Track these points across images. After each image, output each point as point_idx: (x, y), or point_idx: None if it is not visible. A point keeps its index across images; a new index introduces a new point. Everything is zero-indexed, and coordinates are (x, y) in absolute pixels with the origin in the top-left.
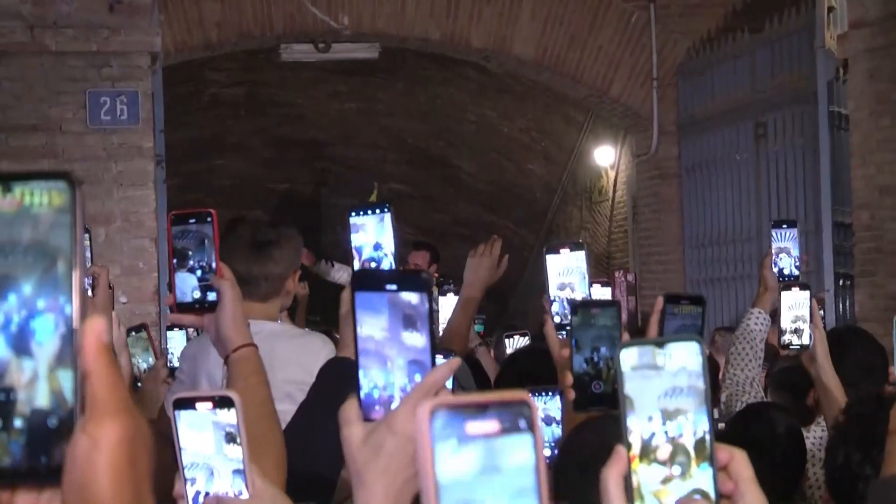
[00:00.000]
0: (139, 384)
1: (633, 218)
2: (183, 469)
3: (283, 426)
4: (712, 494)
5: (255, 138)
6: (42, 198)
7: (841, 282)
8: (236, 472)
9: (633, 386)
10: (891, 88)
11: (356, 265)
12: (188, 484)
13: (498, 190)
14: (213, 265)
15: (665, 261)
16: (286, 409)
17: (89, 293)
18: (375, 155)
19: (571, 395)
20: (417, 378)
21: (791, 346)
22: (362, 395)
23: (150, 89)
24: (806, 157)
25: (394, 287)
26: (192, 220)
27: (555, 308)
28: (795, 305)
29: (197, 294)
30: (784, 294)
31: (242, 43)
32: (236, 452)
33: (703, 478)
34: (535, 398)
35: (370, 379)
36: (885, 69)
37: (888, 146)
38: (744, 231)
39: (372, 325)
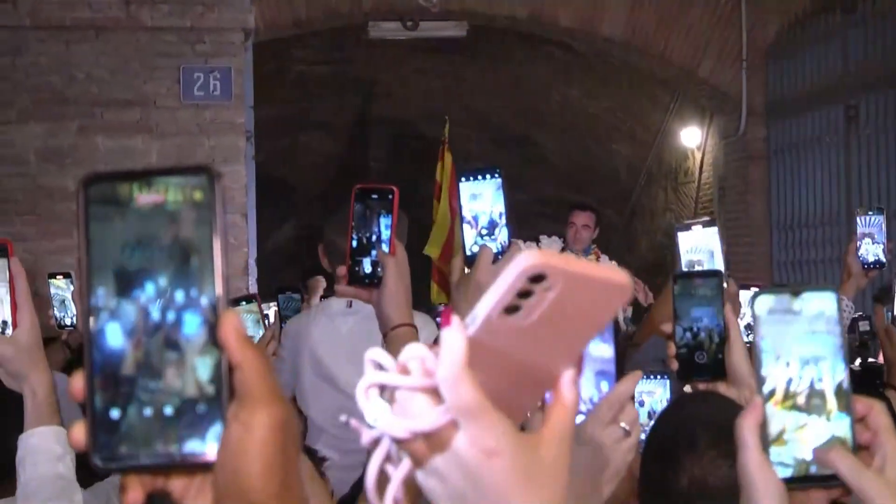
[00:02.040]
0: None
1: (719, 200)
2: None
3: None
4: (850, 442)
5: (340, 116)
6: (182, 194)
7: None
8: None
9: (770, 331)
10: None
11: (471, 235)
12: None
13: (582, 170)
14: (387, 242)
15: (752, 243)
16: None
17: None
18: (460, 133)
19: (675, 365)
20: (604, 387)
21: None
22: None
23: (242, 65)
24: None
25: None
26: (374, 196)
27: None
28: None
29: (368, 269)
30: None
31: (331, 20)
32: None
33: (840, 427)
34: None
35: None
36: None
37: None
38: (832, 215)
39: None
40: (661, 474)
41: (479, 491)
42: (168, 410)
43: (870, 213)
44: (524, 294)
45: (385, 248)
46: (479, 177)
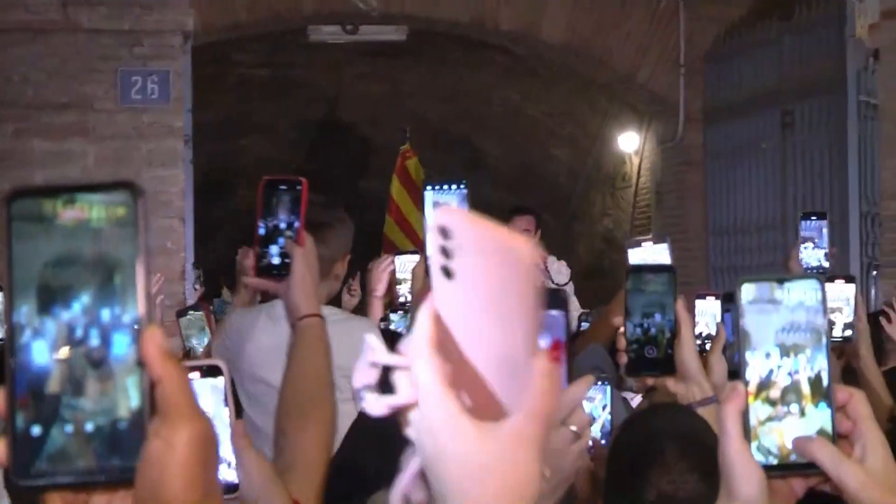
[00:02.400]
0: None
1: (656, 205)
2: None
3: None
4: (830, 432)
5: (280, 120)
6: (105, 210)
7: (873, 272)
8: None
9: (752, 320)
10: None
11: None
12: None
13: (522, 174)
14: (297, 233)
15: (688, 248)
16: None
17: None
18: (400, 137)
19: (624, 358)
20: None
21: (831, 340)
22: None
23: (181, 69)
24: (833, 147)
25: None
26: (282, 187)
27: None
28: (831, 298)
29: (276, 260)
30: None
31: (271, 24)
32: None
33: (820, 417)
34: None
35: None
36: None
37: None
38: (767, 220)
39: None
40: (628, 487)
41: (443, 464)
42: (90, 427)
43: (812, 217)
44: (447, 254)
45: (293, 239)
46: (445, 187)
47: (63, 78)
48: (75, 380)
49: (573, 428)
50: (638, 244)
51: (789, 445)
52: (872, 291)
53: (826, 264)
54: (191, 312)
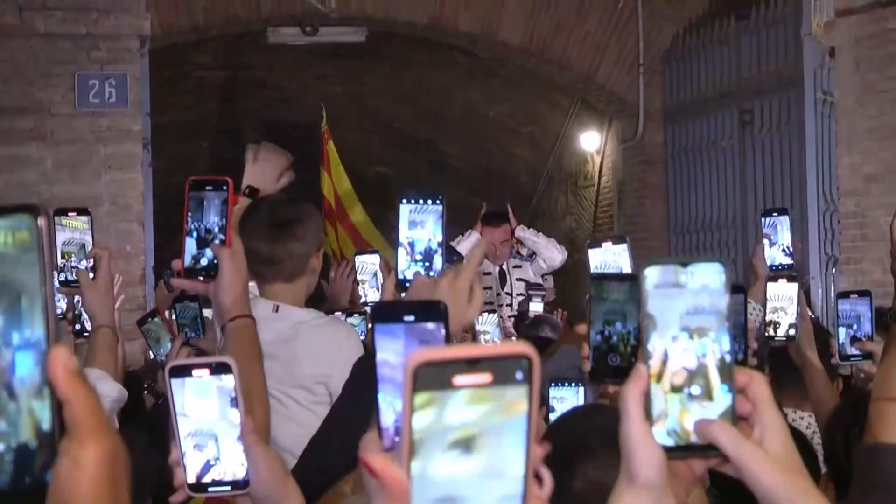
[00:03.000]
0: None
1: (618, 204)
2: (180, 438)
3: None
4: (731, 415)
5: (240, 121)
6: (9, 235)
7: (834, 269)
8: (240, 438)
9: (656, 304)
10: (877, 77)
11: (404, 259)
12: (197, 450)
13: (484, 174)
14: (223, 233)
15: (650, 246)
16: (304, 400)
17: (90, 276)
18: (362, 138)
19: (587, 366)
20: None
21: (776, 339)
22: (382, 424)
23: (138, 72)
24: (791, 145)
25: (412, 318)
26: (207, 188)
27: None
28: (776, 297)
29: (204, 261)
30: (768, 285)
31: (229, 26)
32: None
33: (722, 399)
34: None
35: (390, 406)
36: (871, 58)
37: (874, 135)
38: (728, 218)
39: (388, 351)
40: (558, 480)
41: None
42: (1, 447)
43: (773, 213)
44: None
45: (220, 240)
46: (422, 202)
47: (20, 83)
48: None
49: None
50: (598, 244)
51: (690, 427)
52: (832, 288)
53: (789, 261)
54: (150, 320)
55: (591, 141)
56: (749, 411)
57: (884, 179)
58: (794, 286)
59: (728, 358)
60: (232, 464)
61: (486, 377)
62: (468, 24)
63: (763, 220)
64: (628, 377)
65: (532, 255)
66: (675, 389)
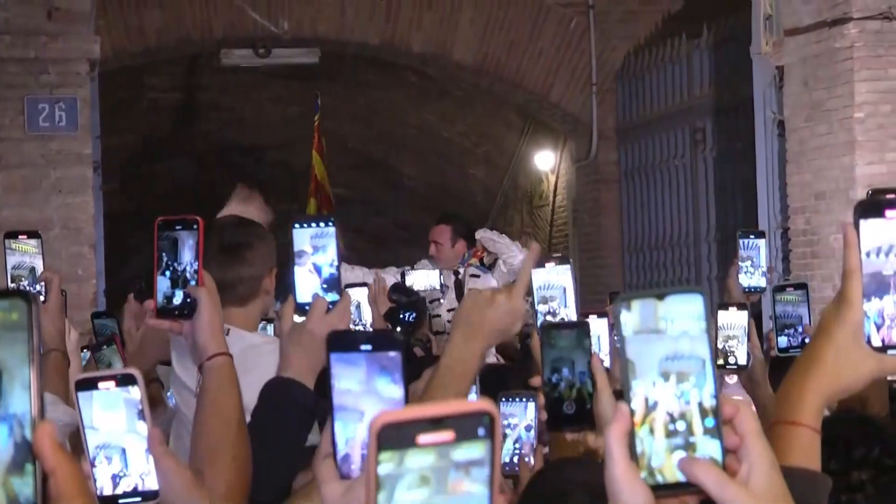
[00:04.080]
0: None
1: (573, 222)
2: (92, 449)
3: None
4: (719, 453)
5: (194, 143)
6: (3, 316)
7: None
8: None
9: (634, 349)
10: (825, 96)
11: (308, 285)
12: (105, 463)
13: (439, 193)
14: (196, 273)
15: (604, 265)
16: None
17: (42, 299)
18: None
19: (544, 415)
20: None
21: (727, 367)
22: (338, 452)
23: (88, 95)
24: (743, 163)
25: (369, 347)
26: (178, 227)
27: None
28: (727, 326)
29: (177, 301)
30: (719, 313)
31: (182, 48)
32: (146, 430)
33: (710, 436)
34: (512, 404)
35: (343, 433)
36: (819, 76)
37: (823, 153)
38: (681, 236)
39: (349, 379)
40: None
41: None
42: None
43: (750, 235)
44: None
45: (193, 281)
46: (316, 225)
47: None
48: None
49: None
50: (541, 265)
51: (676, 466)
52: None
53: (764, 284)
54: (105, 347)
55: (545, 160)
56: (736, 444)
57: (833, 197)
58: (745, 314)
59: (713, 391)
60: (141, 475)
61: (448, 435)
62: (421, 44)
63: (741, 241)
64: (588, 424)
65: (492, 266)
66: (659, 429)
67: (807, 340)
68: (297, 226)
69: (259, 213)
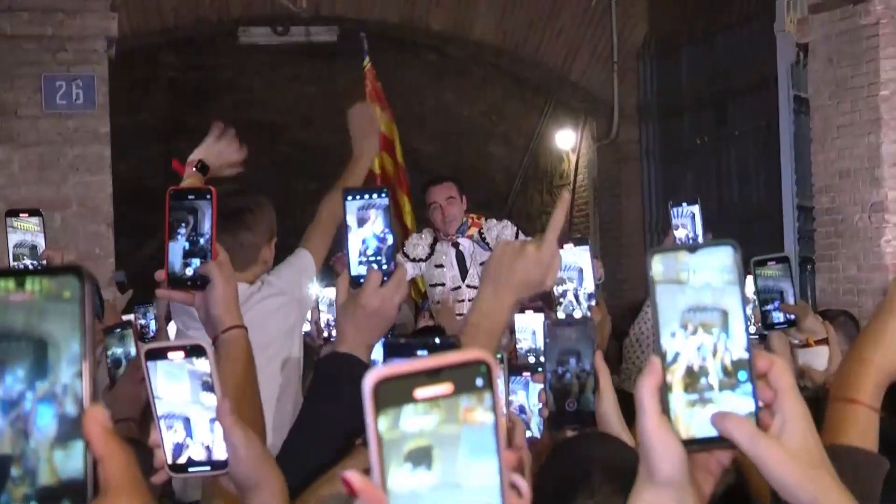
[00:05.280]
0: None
1: (594, 202)
2: (158, 418)
3: None
4: (752, 407)
5: (212, 122)
6: (33, 284)
7: (809, 267)
8: (213, 420)
9: (663, 300)
10: (850, 73)
11: (357, 260)
12: (169, 432)
13: (458, 173)
14: (209, 243)
15: (626, 245)
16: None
17: None
18: (335, 139)
19: (545, 413)
20: None
21: None
22: None
23: (105, 73)
24: (767, 142)
25: (424, 352)
26: (190, 197)
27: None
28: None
29: (190, 271)
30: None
31: (200, 27)
32: (213, 401)
33: (742, 388)
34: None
35: None
36: (844, 54)
37: (848, 131)
38: (705, 214)
39: None
40: None
41: None
42: (20, 497)
43: (683, 202)
44: None
45: (208, 252)
46: (367, 196)
47: None
48: (14, 455)
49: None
50: (560, 245)
51: (709, 419)
52: (808, 288)
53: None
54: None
55: (566, 139)
56: (770, 398)
57: (858, 176)
58: None
59: (745, 344)
60: (205, 446)
61: (447, 387)
62: (440, 22)
63: (673, 210)
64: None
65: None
66: (692, 382)
67: (790, 317)
68: (349, 198)
69: (235, 151)
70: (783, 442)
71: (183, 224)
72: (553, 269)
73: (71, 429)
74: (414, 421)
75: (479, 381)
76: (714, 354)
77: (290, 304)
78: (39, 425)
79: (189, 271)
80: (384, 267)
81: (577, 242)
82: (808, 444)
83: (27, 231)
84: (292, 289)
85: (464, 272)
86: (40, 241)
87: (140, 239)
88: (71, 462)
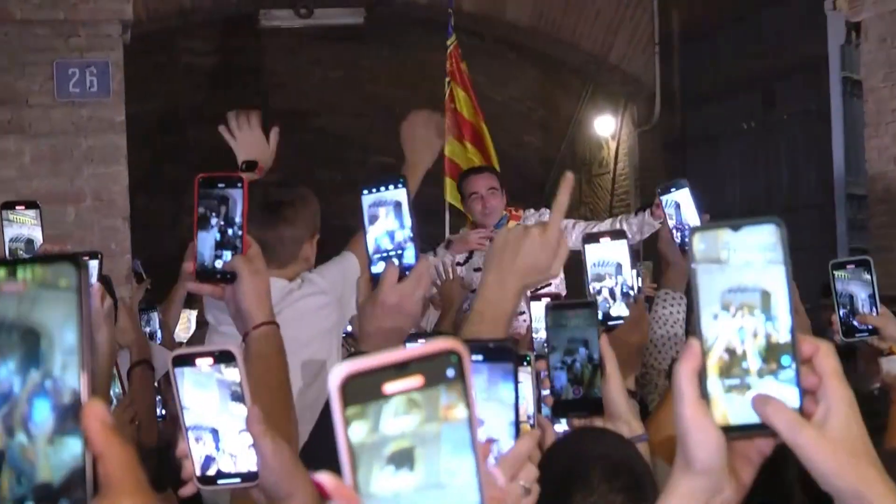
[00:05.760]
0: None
1: (635, 191)
2: (186, 430)
3: None
4: (796, 390)
5: (231, 109)
6: (25, 273)
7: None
8: (242, 430)
9: (703, 280)
10: None
11: (378, 256)
12: (197, 444)
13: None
14: (240, 235)
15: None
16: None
17: None
18: (361, 125)
19: (550, 401)
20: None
21: None
22: None
23: (121, 59)
24: (817, 126)
25: (479, 357)
26: (220, 185)
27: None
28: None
29: (220, 264)
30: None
31: (219, 9)
32: (242, 411)
33: (784, 374)
34: None
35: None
36: None
37: None
38: (752, 203)
39: None
40: None
41: None
42: (16, 493)
43: (672, 188)
44: None
45: (238, 243)
46: (383, 188)
47: None
48: (10, 451)
49: (522, 483)
50: (596, 239)
51: (749, 405)
52: None
53: None
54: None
55: (605, 125)
56: (815, 384)
57: None
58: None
59: (789, 327)
60: (233, 456)
61: (417, 380)
62: (472, 3)
63: (663, 197)
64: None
65: None
66: (732, 366)
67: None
68: (364, 192)
69: (257, 135)
70: (826, 431)
71: (214, 214)
72: (560, 253)
73: (67, 420)
74: (394, 423)
75: (451, 372)
76: (755, 337)
77: (331, 305)
78: (36, 420)
79: (219, 264)
80: (404, 262)
81: (614, 236)
82: (852, 432)
83: (23, 224)
84: (335, 289)
85: None
86: (37, 235)
87: (156, 231)
88: (69, 459)
